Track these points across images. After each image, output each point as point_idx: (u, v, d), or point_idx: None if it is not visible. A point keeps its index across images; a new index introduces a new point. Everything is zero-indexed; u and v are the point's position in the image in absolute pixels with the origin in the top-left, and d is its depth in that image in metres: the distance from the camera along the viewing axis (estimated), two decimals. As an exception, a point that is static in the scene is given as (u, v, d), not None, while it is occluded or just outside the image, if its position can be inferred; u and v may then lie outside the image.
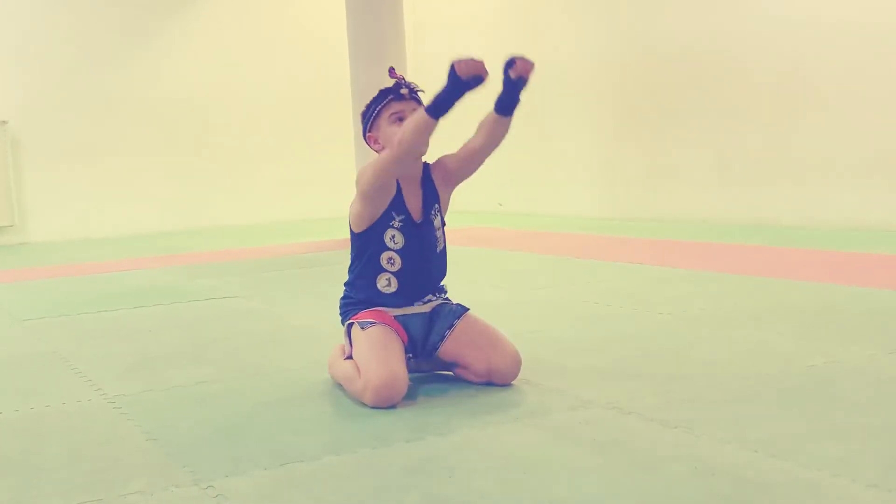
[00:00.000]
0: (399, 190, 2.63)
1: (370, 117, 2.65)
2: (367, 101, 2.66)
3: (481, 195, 9.93)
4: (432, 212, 2.69)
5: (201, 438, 2.28)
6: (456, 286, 3.59)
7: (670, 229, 7.03)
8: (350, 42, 7.56)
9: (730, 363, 2.76)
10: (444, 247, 2.75)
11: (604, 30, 8.41)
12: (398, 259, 2.62)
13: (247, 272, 5.76)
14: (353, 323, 2.62)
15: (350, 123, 7.79)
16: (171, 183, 9.81)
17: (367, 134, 2.66)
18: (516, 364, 2.60)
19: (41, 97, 9.26)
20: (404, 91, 2.61)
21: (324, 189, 10.12)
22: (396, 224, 2.61)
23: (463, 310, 2.69)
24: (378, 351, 2.48)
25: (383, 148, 2.60)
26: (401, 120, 2.57)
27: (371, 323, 2.56)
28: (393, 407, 2.44)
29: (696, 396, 2.41)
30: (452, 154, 2.74)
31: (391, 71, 2.69)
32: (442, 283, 2.77)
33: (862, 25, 6.30)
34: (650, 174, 8.07)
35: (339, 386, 2.68)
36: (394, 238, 2.61)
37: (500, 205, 9.70)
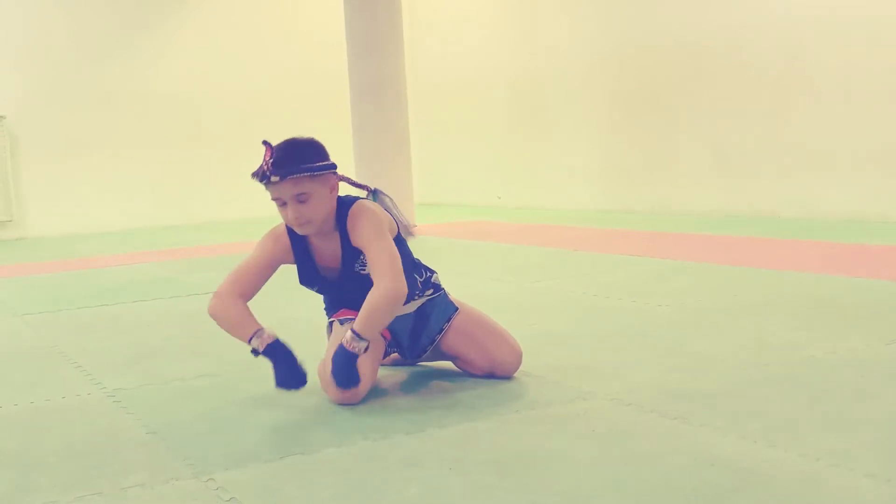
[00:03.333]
0: (311, 259, 2.53)
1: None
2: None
3: (480, 189, 9.94)
4: (357, 263, 2.49)
5: (201, 431, 2.28)
6: (456, 279, 3.59)
7: (668, 222, 7.03)
8: (348, 37, 7.56)
9: (729, 354, 2.77)
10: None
11: (600, 23, 8.40)
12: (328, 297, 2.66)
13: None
14: (333, 320, 2.63)
15: (348, 118, 7.78)
16: (169, 177, 9.80)
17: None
18: (518, 356, 2.60)
19: (39, 92, 9.25)
20: (274, 178, 2.36)
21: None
22: (315, 289, 2.61)
23: (453, 309, 2.63)
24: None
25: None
26: (283, 205, 2.40)
27: (350, 319, 2.54)
28: (384, 393, 2.49)
29: (695, 388, 2.41)
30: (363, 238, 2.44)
31: (265, 146, 2.45)
32: (430, 279, 2.65)
33: (859, 18, 6.30)
34: (648, 167, 8.07)
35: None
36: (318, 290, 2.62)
37: (499, 198, 9.70)
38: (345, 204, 2.48)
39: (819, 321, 3.20)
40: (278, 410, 2.43)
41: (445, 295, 2.67)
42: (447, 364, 2.76)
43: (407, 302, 2.56)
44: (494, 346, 2.58)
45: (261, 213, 10.08)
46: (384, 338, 2.60)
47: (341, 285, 2.53)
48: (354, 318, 2.47)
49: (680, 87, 7.67)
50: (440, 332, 2.61)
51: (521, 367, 2.63)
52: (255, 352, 2.45)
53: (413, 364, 2.76)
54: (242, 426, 2.30)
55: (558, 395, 2.41)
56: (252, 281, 2.53)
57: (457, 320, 2.62)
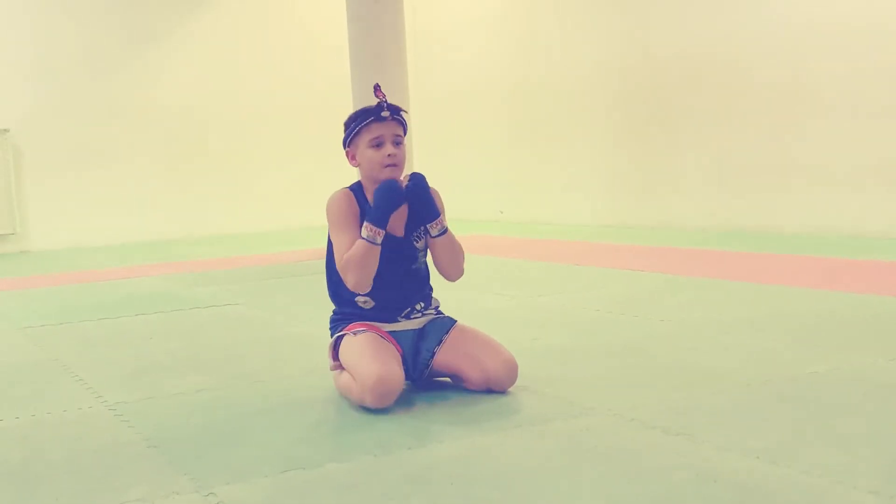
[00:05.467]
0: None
1: (350, 134, 2.64)
2: (351, 114, 2.66)
3: (482, 203, 9.94)
4: (417, 232, 2.67)
5: (202, 446, 2.28)
6: (457, 294, 3.59)
7: (670, 236, 7.03)
8: (351, 48, 7.57)
9: (730, 370, 2.76)
10: (424, 267, 2.73)
11: (602, 37, 8.42)
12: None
13: (247, 280, 5.76)
14: (343, 335, 2.62)
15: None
16: (172, 190, 9.81)
17: (346, 148, 2.67)
18: (512, 369, 2.59)
19: (42, 106, 9.27)
20: (385, 114, 2.58)
21: (325, 196, 10.08)
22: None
23: (451, 323, 2.68)
24: (369, 351, 2.50)
25: (359, 164, 2.65)
26: (379, 146, 2.58)
27: (363, 331, 2.58)
28: (385, 412, 2.44)
29: (697, 404, 2.41)
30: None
31: (376, 89, 2.67)
32: (432, 297, 2.76)
33: (863, 31, 6.31)
34: (650, 181, 8.07)
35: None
36: None
37: (501, 213, 9.71)
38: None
39: (822, 337, 3.19)
40: (280, 425, 2.43)
41: (443, 315, 2.76)
42: (446, 379, 2.75)
43: (413, 316, 2.67)
44: (488, 359, 2.58)
45: (263, 228, 10.13)
46: (384, 338, 2.62)
47: (390, 257, 2.58)
48: (367, 329, 2.58)
49: (682, 101, 7.69)
50: (438, 344, 2.62)
51: (521, 382, 2.63)
52: (378, 222, 2.52)
53: (416, 385, 2.74)
54: (244, 440, 2.30)
55: (560, 411, 2.41)
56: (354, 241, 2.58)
57: (452, 335, 2.64)
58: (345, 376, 2.60)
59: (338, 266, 2.56)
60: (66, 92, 9.36)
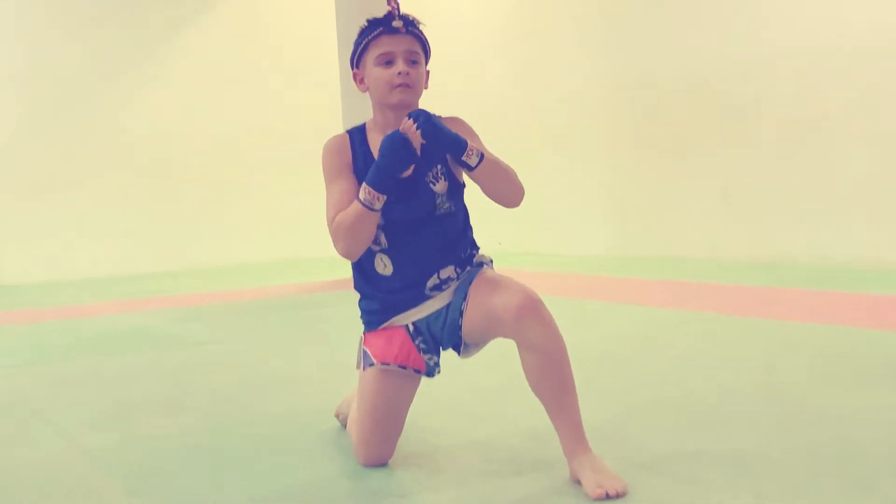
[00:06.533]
0: (372, 157, 2.31)
1: (357, 51, 2.33)
2: (360, 28, 2.33)
3: (479, 234, 9.92)
4: (431, 173, 2.31)
5: (183, 493, 2.26)
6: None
7: (676, 268, 7.04)
8: (342, 78, 7.60)
9: (741, 412, 2.75)
10: (455, 217, 2.38)
11: (605, 64, 8.48)
12: (381, 235, 2.32)
13: (230, 315, 5.74)
14: (365, 350, 2.39)
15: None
16: (151, 221, 9.80)
17: (354, 70, 2.36)
18: (522, 295, 2.20)
19: (15, 134, 9.28)
20: (397, 23, 2.27)
21: (309, 228, 10.10)
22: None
23: (476, 271, 2.34)
24: (369, 422, 2.34)
25: (367, 89, 2.33)
26: (388, 63, 2.26)
27: (372, 364, 2.34)
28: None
29: (707, 448, 2.39)
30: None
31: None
32: (475, 254, 2.42)
33: (874, 56, 6.36)
34: (655, 209, 8.09)
35: (338, 428, 2.67)
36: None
37: (500, 244, 9.71)
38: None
39: (837, 376, 3.18)
40: (265, 473, 2.41)
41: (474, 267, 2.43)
42: (444, 421, 2.73)
43: (440, 287, 2.34)
44: (493, 297, 2.23)
45: (244, 260, 10.11)
46: (418, 372, 2.35)
47: (402, 207, 2.28)
48: (403, 367, 2.31)
49: (688, 126, 7.72)
50: (464, 298, 2.28)
51: (525, 424, 2.60)
52: (380, 188, 2.18)
53: (460, 356, 2.42)
54: (227, 487, 2.28)
55: (563, 457, 2.39)
56: (347, 198, 2.27)
57: (474, 286, 2.30)
58: (352, 414, 2.53)
59: (328, 228, 2.25)
60: (41, 120, 9.36)
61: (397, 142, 2.15)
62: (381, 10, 2.33)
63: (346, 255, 2.26)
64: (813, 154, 6.79)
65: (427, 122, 2.14)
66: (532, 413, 2.77)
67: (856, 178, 6.52)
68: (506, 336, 2.24)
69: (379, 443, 2.37)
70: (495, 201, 2.32)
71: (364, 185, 2.19)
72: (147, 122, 9.83)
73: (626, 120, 8.32)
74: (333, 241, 2.25)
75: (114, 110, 9.70)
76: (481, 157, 2.21)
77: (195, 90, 10.08)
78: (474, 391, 3.19)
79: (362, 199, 2.19)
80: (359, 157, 2.33)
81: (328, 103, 9.74)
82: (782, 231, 7.03)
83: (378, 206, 2.19)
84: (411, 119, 2.15)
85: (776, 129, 7.02)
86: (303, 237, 10.22)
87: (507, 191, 2.28)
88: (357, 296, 2.45)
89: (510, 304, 2.18)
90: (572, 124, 8.83)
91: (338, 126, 7.79)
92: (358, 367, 2.44)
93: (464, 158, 2.20)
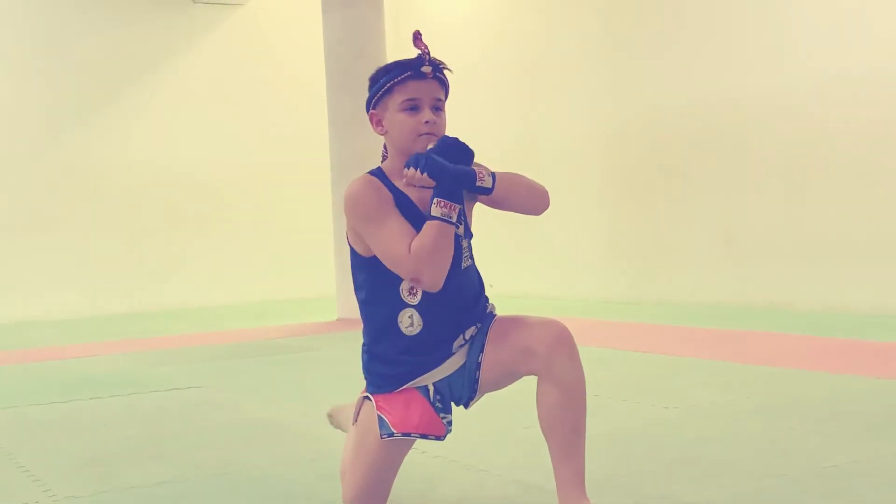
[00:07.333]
0: (406, 197, 2.22)
1: (378, 92, 2.26)
2: (380, 67, 2.28)
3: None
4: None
5: (161, 546, 2.25)
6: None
7: (674, 313, 7.05)
8: (330, 112, 7.65)
9: (741, 462, 2.75)
10: (473, 264, 2.35)
11: (606, 105, 8.54)
12: (418, 288, 2.21)
13: (212, 359, 5.73)
14: (368, 398, 2.28)
15: (328, 198, 7.84)
16: (132, 261, 9.81)
17: (371, 111, 2.29)
18: (552, 329, 2.15)
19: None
20: (426, 69, 2.20)
21: (297, 268, 10.14)
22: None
23: (489, 320, 2.30)
24: (372, 483, 2.26)
25: (386, 132, 2.26)
26: (414, 109, 2.21)
27: (391, 434, 2.20)
28: None
29: (703, 498, 2.40)
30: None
31: (416, 37, 2.24)
32: (489, 304, 2.38)
33: (880, 95, 6.42)
34: (652, 252, 8.12)
35: (319, 478, 2.65)
36: None
37: (491, 286, 9.71)
38: None
39: (841, 426, 3.19)
40: (247, 522, 2.40)
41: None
42: (434, 471, 2.72)
43: (462, 345, 2.28)
44: (534, 340, 2.16)
45: (229, 301, 10.10)
46: (437, 438, 2.24)
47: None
48: (425, 436, 2.21)
49: (688, 167, 7.77)
50: (481, 351, 2.25)
51: (516, 476, 2.60)
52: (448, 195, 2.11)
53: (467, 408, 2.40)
54: (207, 540, 2.27)
55: (556, 507, 2.39)
56: (408, 229, 2.16)
57: (491, 333, 2.26)
58: (345, 458, 2.37)
59: (399, 265, 2.13)
60: (16, 157, 9.39)
61: (451, 145, 2.13)
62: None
63: (433, 283, 2.14)
64: (816, 195, 6.82)
65: (428, 162, 2.08)
66: (522, 465, 2.76)
67: (859, 220, 6.55)
68: (530, 372, 2.18)
69: (374, 499, 2.29)
70: (523, 213, 2.31)
71: (435, 199, 2.10)
72: (121, 164, 9.85)
73: (626, 162, 8.37)
74: (416, 273, 2.12)
75: (93, 150, 9.73)
76: (493, 175, 2.18)
77: (182, 129, 10.13)
78: (464, 440, 3.19)
79: (439, 215, 2.10)
80: (395, 195, 2.23)
81: (310, 143, 9.83)
82: (783, 274, 7.05)
83: (454, 217, 2.11)
84: (411, 168, 2.09)
85: (779, 169, 7.06)
86: (283, 279, 10.25)
87: (531, 199, 2.28)
88: (359, 346, 2.34)
89: (546, 335, 2.14)
90: (572, 166, 8.87)
91: (324, 164, 7.82)
92: (354, 422, 2.33)
93: (478, 184, 2.15)
